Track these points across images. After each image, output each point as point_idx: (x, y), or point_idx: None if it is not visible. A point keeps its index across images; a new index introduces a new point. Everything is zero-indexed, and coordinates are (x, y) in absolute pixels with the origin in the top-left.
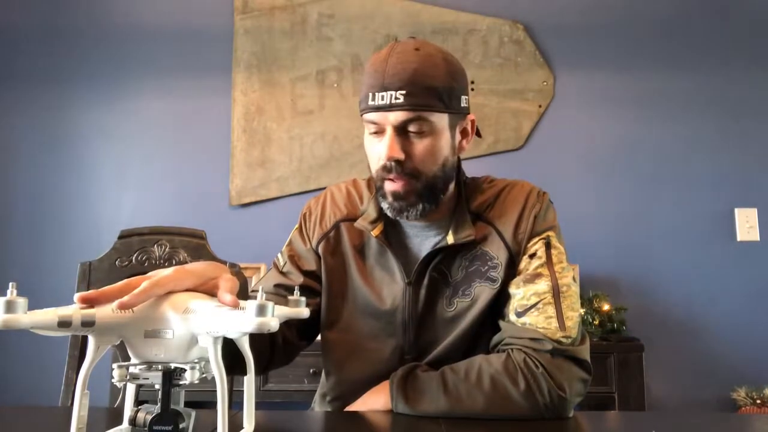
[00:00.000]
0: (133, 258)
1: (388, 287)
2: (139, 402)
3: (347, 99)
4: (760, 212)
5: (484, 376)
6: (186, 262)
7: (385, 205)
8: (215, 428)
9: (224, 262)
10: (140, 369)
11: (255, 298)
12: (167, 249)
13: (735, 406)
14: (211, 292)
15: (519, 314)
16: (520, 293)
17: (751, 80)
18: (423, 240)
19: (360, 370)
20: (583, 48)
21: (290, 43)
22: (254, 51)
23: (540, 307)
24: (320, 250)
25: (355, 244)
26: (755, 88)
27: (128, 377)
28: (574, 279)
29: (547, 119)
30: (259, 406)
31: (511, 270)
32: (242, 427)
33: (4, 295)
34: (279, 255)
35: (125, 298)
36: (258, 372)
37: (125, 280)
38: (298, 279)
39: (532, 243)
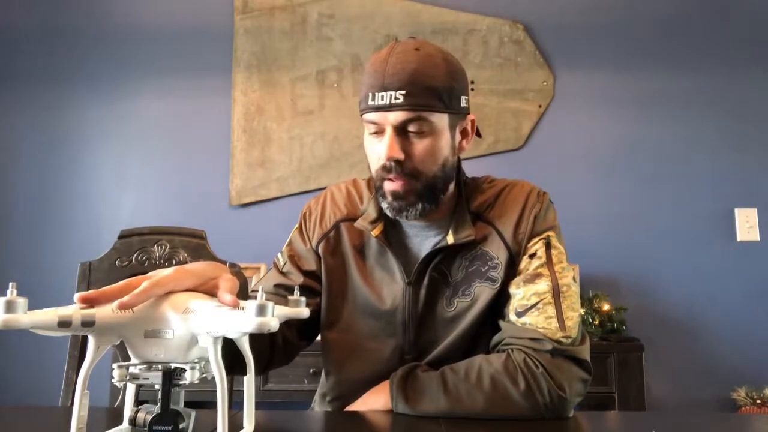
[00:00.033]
0: (133, 258)
1: (388, 287)
2: (139, 402)
3: (347, 99)
4: (760, 212)
5: (484, 376)
6: (186, 262)
7: (384, 205)
8: (215, 428)
9: (224, 262)
10: (140, 369)
11: (255, 298)
12: (167, 249)
13: (735, 406)
14: (211, 292)
15: (519, 314)
16: (520, 293)
17: (751, 80)
18: (423, 240)
19: (360, 370)
20: (583, 48)
21: (290, 43)
22: (254, 51)
23: (540, 307)
24: (320, 250)
25: (355, 244)
26: (755, 88)
27: (128, 377)
28: (574, 279)
29: (547, 119)
30: (259, 406)
31: (511, 270)
32: (242, 427)
33: (4, 295)
34: (279, 255)
35: (125, 298)
36: (258, 372)
37: (125, 280)
38: (298, 279)
39: (532, 243)
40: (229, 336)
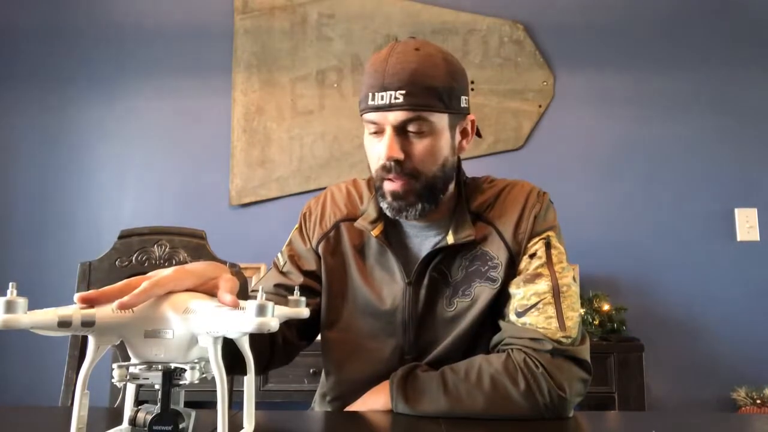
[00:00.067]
0: (133, 258)
1: (388, 287)
2: (139, 402)
3: (347, 99)
4: (760, 212)
5: (484, 376)
6: (186, 262)
7: (384, 205)
8: (215, 428)
9: (224, 262)
10: (140, 369)
11: (255, 298)
12: (167, 249)
13: (735, 406)
14: (211, 292)
15: (519, 314)
16: (520, 293)
17: (751, 80)
18: (423, 240)
19: (360, 370)
20: (583, 48)
21: (290, 43)
22: (254, 51)
23: (540, 307)
24: (320, 250)
25: (355, 244)
26: (755, 88)
27: (128, 377)
28: (574, 279)
29: (547, 119)
30: (259, 406)
31: (511, 270)
32: (242, 427)
33: (4, 295)
34: (279, 255)
35: (125, 298)
36: (258, 372)
37: (125, 280)
38: (298, 279)
39: (532, 243)
40: (229, 336)
